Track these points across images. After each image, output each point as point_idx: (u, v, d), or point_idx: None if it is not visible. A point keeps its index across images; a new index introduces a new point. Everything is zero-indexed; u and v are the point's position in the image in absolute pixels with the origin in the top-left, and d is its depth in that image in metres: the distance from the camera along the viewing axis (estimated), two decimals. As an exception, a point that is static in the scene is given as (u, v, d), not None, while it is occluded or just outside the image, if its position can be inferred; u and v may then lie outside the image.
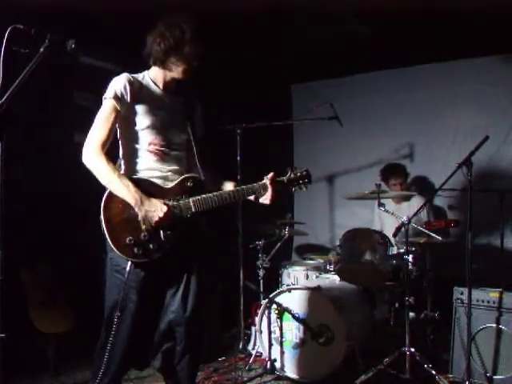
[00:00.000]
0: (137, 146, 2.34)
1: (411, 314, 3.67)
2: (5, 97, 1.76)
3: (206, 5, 3.64)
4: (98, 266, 3.58)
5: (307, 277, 4.16)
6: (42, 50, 1.87)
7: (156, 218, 2.20)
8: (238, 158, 3.85)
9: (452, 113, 4.95)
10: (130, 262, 2.22)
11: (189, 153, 2.44)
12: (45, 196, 3.75)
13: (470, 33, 4.19)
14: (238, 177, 3.84)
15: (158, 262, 2.26)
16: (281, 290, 3.60)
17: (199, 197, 2.30)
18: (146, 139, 2.33)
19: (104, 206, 2.22)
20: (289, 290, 3.53)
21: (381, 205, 3.71)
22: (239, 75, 4.95)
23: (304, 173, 2.46)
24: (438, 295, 3.84)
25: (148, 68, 2.42)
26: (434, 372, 3.14)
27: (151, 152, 2.33)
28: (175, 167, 2.38)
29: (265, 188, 2.37)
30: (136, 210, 2.21)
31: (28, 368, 3.46)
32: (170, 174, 2.36)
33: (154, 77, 2.40)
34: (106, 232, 2.20)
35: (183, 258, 2.36)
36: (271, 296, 3.55)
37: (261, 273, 4.07)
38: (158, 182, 2.32)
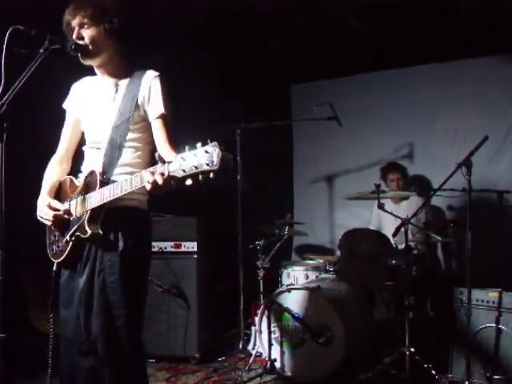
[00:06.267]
0: None
1: (411, 314, 3.67)
2: (5, 97, 1.76)
3: (207, 5, 3.65)
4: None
5: (307, 277, 4.15)
6: (41, 50, 1.88)
7: None
8: (238, 158, 3.85)
9: (452, 113, 4.95)
10: None
11: None
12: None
13: (469, 33, 4.20)
14: (238, 177, 3.85)
15: None
16: (281, 290, 3.60)
17: None
18: None
19: None
20: (288, 290, 3.53)
21: (381, 205, 3.70)
22: (239, 75, 4.95)
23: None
24: (438, 295, 3.85)
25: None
26: (434, 372, 3.14)
27: None
28: None
29: None
30: None
31: (28, 368, 3.45)
32: None
33: None
34: None
35: None
36: (271, 296, 3.55)
37: (260, 273, 4.07)
38: None
